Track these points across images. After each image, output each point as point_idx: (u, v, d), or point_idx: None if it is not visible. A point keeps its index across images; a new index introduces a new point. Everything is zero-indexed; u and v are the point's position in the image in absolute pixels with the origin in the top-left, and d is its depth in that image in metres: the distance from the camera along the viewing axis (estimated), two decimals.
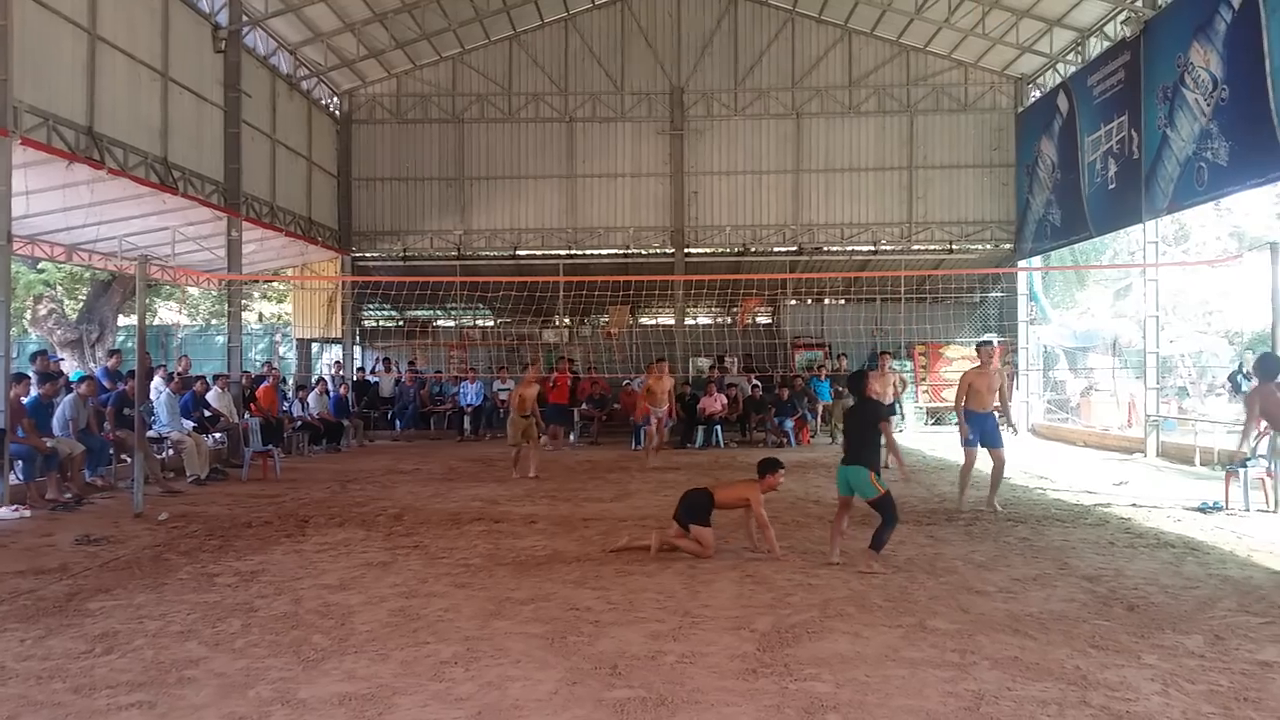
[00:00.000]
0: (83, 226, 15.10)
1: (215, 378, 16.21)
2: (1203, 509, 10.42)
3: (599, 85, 23.29)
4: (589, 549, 8.49)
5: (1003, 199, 23.13)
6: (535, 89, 23.35)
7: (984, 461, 10.79)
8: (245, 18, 17.48)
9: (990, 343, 11.58)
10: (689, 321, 24.43)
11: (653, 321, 25.53)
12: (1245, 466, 10.52)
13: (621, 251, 23.58)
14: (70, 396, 12.22)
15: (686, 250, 23.36)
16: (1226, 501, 10.45)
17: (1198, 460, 14.87)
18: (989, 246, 23.30)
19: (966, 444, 10.75)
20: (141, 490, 10.65)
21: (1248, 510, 10.23)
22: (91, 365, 21.35)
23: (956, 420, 10.93)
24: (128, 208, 14.72)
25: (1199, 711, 4.52)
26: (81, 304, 25.07)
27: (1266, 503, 10.38)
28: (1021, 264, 22.72)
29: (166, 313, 31.76)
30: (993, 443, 10.64)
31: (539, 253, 23.70)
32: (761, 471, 8.39)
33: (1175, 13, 15.71)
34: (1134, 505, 10.93)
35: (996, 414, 10.78)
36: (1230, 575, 7.34)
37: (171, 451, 13.97)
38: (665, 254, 23.48)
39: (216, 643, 5.66)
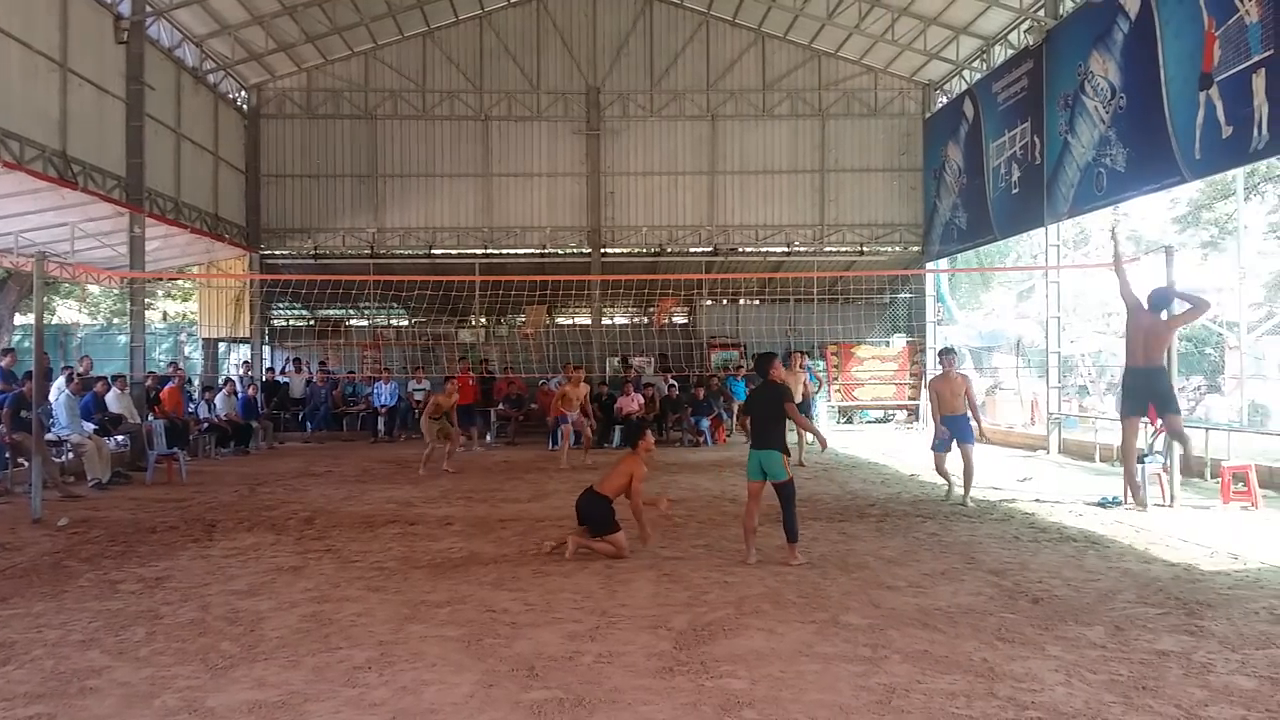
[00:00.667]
0: None
1: (114, 378, 15.71)
2: (1103, 504, 10.76)
3: (515, 84, 23.17)
4: (506, 550, 8.45)
5: (911, 202, 23.63)
6: (450, 86, 23.13)
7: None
8: (148, 8, 16.97)
9: (952, 350, 12.12)
10: (606, 321, 24.44)
11: (569, 321, 25.49)
12: (1143, 462, 10.91)
13: (538, 251, 23.52)
14: None
15: (603, 250, 23.37)
16: (1125, 496, 10.80)
17: (1098, 456, 15.38)
18: (898, 249, 23.78)
19: (935, 448, 11.36)
20: (40, 495, 10.26)
21: (1145, 505, 10.61)
22: None
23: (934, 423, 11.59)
24: (24, 202, 14.17)
25: (1101, 701, 4.67)
26: None
27: (1163, 497, 10.77)
28: (929, 266, 23.26)
29: (66, 311, 30.69)
30: (966, 439, 11.16)
31: (454, 252, 23.46)
32: (631, 442, 8.63)
33: (1076, 23, 16.23)
34: (1037, 501, 11.26)
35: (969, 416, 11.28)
36: (1129, 568, 7.61)
37: (71, 455, 13.50)
38: (582, 254, 23.46)
39: (120, 651, 5.49)
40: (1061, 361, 18.68)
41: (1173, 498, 10.68)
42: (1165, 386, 9.46)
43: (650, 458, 8.84)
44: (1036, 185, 17.45)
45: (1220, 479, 11.05)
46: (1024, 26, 17.99)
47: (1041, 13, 17.28)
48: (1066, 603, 6.51)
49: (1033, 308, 30.46)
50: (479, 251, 23.44)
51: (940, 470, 11.53)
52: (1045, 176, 17.11)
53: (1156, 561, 7.85)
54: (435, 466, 14.02)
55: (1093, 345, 29.03)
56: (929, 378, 12.18)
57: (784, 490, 7.87)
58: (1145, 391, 9.31)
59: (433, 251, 23.43)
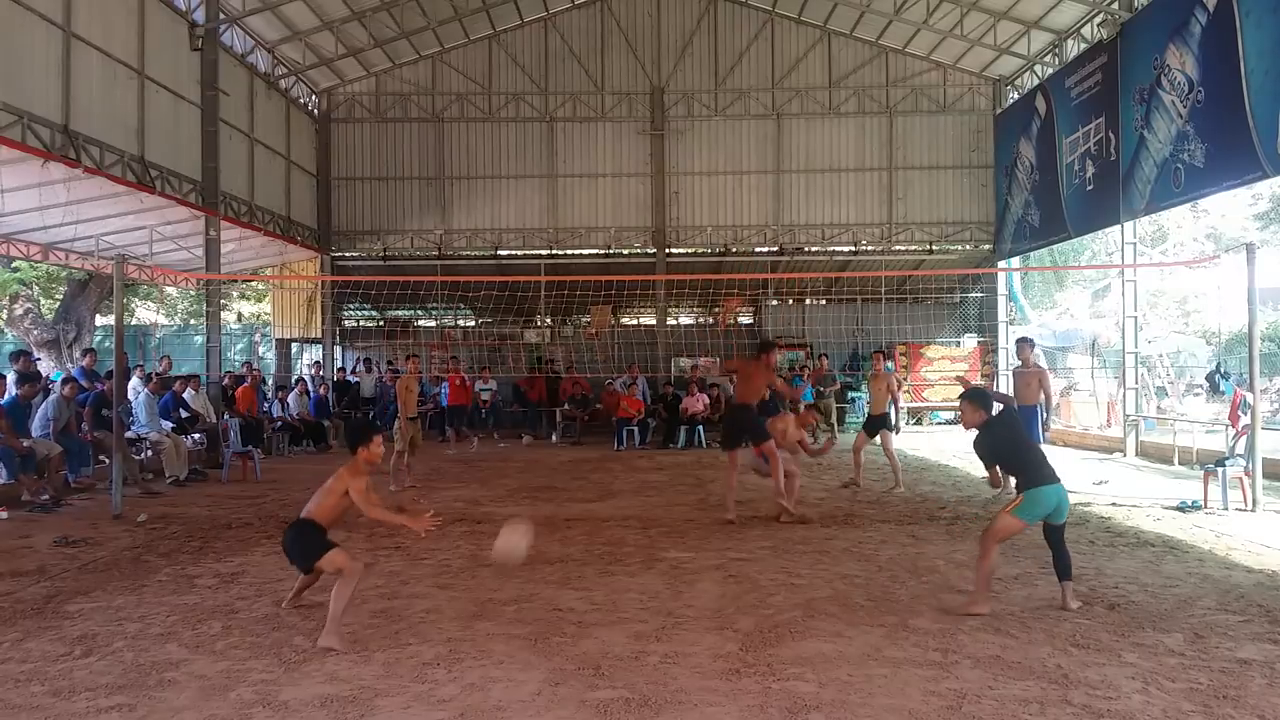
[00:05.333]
0: (59, 225, 14.95)
1: (190, 378, 16.06)
2: (1182, 508, 10.49)
3: (579, 85, 23.27)
4: (571, 550, 8.48)
5: (982, 200, 23.25)
6: (515, 88, 23.31)
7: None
8: (222, 15, 17.33)
9: (1028, 340, 12.46)
10: (670, 321, 24.44)
11: (634, 321, 25.55)
12: (1224, 465, 10.63)
13: (603, 251, 23.58)
14: (54, 397, 12.11)
15: (668, 250, 23.37)
16: (1205, 500, 10.54)
17: (1176, 459, 14.98)
18: (968, 247, 23.41)
19: None
20: (120, 491, 10.55)
21: (1226, 509, 10.32)
22: (69, 365, 21.14)
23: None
24: (104, 207, 14.60)
25: (1179, 709, 4.55)
26: (58, 303, 24.84)
27: (1245, 501, 10.46)
28: (1001, 264, 22.85)
29: (144, 312, 31.51)
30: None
31: (520, 252, 23.66)
32: (353, 444, 6.11)
33: (1151, 15, 15.83)
34: (1114, 504, 11.01)
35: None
36: (1209, 574, 7.39)
37: (150, 452, 13.84)
38: (646, 254, 23.48)
39: (197, 645, 5.62)
40: (1139, 362, 18.19)
41: (1255, 502, 10.36)
42: None
43: (372, 467, 6.10)
44: (1112, 182, 17.05)
45: None
46: (1097, 20, 17.59)
47: (1115, 6, 16.88)
48: (1143, 609, 6.36)
49: (1108, 307, 29.78)
50: (544, 252, 23.59)
51: None
52: (1121, 173, 16.71)
53: (1238, 568, 7.63)
54: (403, 478, 12.93)
55: (1171, 345, 28.31)
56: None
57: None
58: None
59: (499, 252, 23.65)
